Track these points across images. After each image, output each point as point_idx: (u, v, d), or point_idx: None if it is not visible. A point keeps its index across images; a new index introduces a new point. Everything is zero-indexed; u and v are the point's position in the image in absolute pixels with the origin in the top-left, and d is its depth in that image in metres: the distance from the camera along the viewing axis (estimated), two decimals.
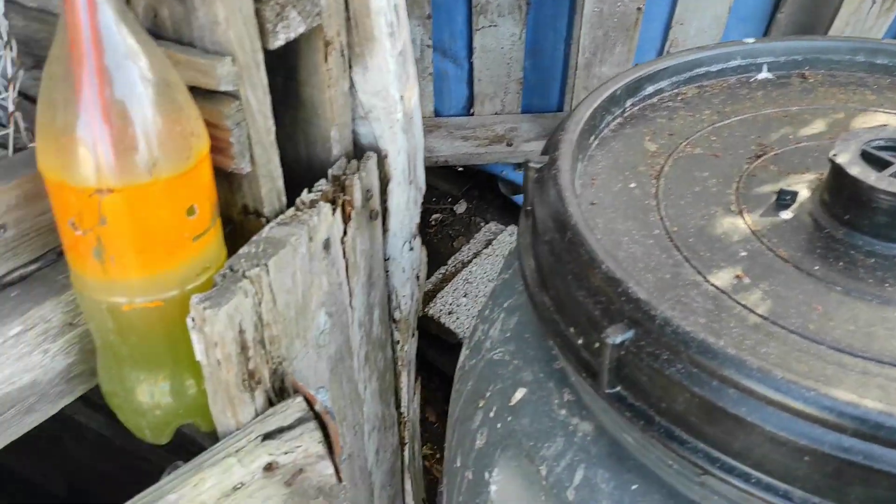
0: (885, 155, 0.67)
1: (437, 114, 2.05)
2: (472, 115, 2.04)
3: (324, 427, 0.78)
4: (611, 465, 0.65)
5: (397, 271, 0.98)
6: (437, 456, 1.85)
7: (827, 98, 0.87)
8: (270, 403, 0.78)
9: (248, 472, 0.73)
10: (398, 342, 1.05)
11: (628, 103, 0.85)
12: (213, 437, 0.79)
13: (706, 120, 0.84)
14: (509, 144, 1.94)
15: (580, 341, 0.63)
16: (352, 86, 0.84)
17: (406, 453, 1.20)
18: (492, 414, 0.77)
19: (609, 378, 0.59)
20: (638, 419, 0.58)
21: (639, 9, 1.67)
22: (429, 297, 1.94)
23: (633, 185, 0.76)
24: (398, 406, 1.13)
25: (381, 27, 0.78)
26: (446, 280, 1.98)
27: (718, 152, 0.79)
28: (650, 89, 0.87)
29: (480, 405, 0.80)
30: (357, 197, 0.84)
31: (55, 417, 0.81)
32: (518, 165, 2.13)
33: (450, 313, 1.88)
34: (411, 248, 0.98)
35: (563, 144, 0.74)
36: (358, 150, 0.89)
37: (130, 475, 1.37)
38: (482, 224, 2.26)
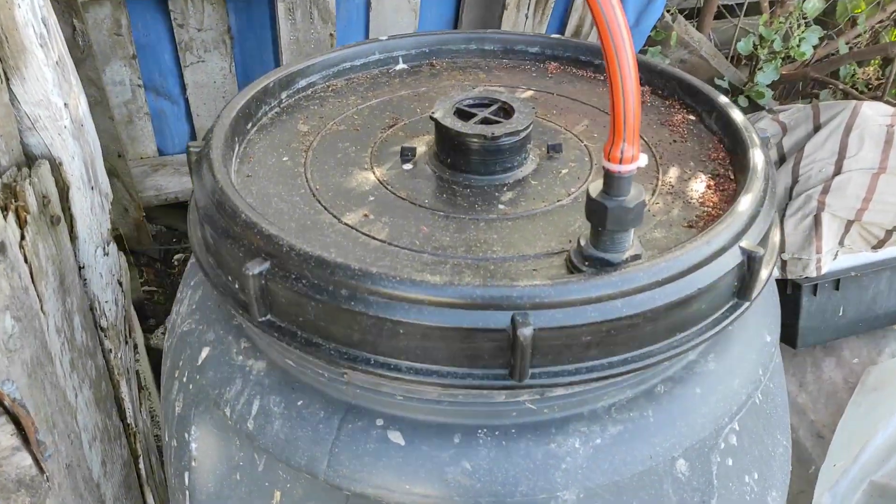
0: (473, 110, 0.85)
1: (162, 152, 2.06)
2: None
3: (16, 420, 0.80)
4: (280, 390, 0.75)
5: (94, 277, 1.02)
6: None
7: (449, 80, 1.05)
8: None
9: None
10: (110, 350, 1.08)
11: (283, 95, 0.97)
12: None
13: (352, 104, 0.98)
14: None
15: (236, 285, 0.73)
16: (14, 98, 0.88)
17: (142, 466, 1.21)
18: (185, 379, 0.84)
19: (259, 307, 0.69)
20: (284, 337, 0.69)
21: (331, 34, 1.83)
22: None
23: (285, 159, 0.87)
24: (122, 417, 1.15)
25: (31, 38, 0.84)
26: None
27: (359, 127, 0.93)
28: (303, 83, 0.99)
29: (176, 376, 0.86)
30: (32, 202, 0.87)
31: None
32: None
33: None
34: (106, 254, 1.02)
35: (216, 129, 0.84)
36: (32, 161, 0.92)
37: None
38: None
